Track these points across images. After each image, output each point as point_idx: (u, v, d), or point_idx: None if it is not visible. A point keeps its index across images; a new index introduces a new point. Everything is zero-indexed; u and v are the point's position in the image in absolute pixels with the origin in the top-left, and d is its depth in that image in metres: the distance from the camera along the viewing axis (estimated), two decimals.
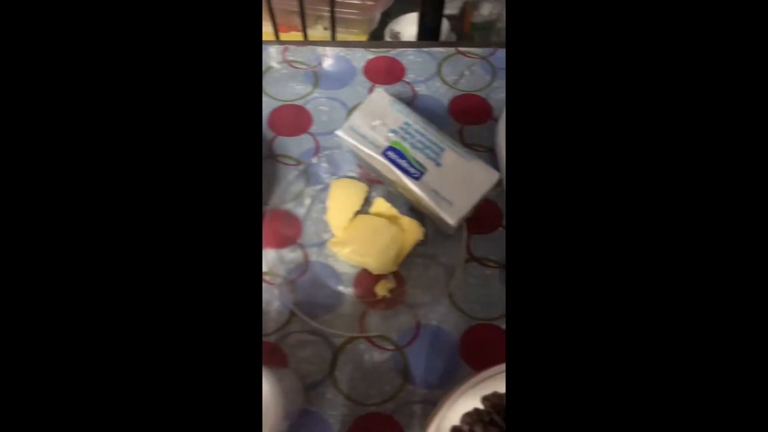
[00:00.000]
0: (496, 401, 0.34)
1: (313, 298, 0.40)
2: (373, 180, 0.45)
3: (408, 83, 0.51)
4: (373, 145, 0.39)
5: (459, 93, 0.50)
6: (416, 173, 0.38)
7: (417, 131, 0.39)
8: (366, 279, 0.41)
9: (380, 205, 0.42)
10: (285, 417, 0.30)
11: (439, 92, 0.50)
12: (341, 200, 0.41)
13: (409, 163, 0.38)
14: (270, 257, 0.40)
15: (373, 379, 0.38)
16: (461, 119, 0.49)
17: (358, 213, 0.42)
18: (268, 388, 0.29)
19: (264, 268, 0.41)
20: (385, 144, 0.39)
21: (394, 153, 0.39)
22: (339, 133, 0.40)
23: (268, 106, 0.48)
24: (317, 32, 0.98)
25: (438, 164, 0.38)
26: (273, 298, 0.40)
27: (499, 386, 0.34)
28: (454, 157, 0.38)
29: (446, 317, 0.40)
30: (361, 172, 0.45)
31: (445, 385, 0.38)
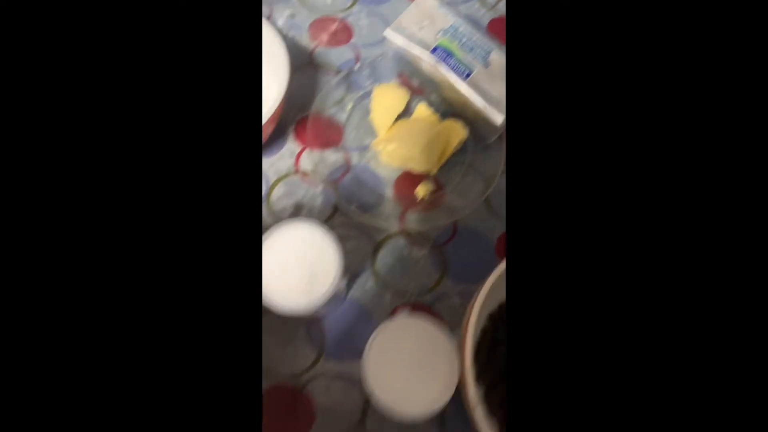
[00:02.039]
0: None
1: (354, 197, 0.40)
2: (414, 89, 0.45)
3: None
4: (422, 44, 0.40)
5: (498, 15, 0.50)
6: (465, 71, 0.39)
7: (464, 33, 0.40)
8: (406, 181, 0.42)
9: (422, 110, 0.42)
10: (343, 275, 0.32)
11: (478, 14, 0.50)
12: (385, 103, 0.42)
13: (458, 62, 0.39)
14: (313, 157, 0.41)
15: (412, 273, 0.39)
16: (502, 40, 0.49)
17: (400, 117, 0.43)
18: (331, 248, 0.31)
19: (308, 167, 0.42)
20: (433, 43, 0.40)
21: (442, 52, 0.39)
22: (387, 33, 0.40)
23: (308, 18, 0.49)
24: None
25: (486, 65, 0.39)
26: (316, 196, 0.41)
27: None
28: (502, 58, 0.39)
29: (483, 222, 0.41)
30: (402, 80, 0.45)
31: (482, 280, 0.39)
